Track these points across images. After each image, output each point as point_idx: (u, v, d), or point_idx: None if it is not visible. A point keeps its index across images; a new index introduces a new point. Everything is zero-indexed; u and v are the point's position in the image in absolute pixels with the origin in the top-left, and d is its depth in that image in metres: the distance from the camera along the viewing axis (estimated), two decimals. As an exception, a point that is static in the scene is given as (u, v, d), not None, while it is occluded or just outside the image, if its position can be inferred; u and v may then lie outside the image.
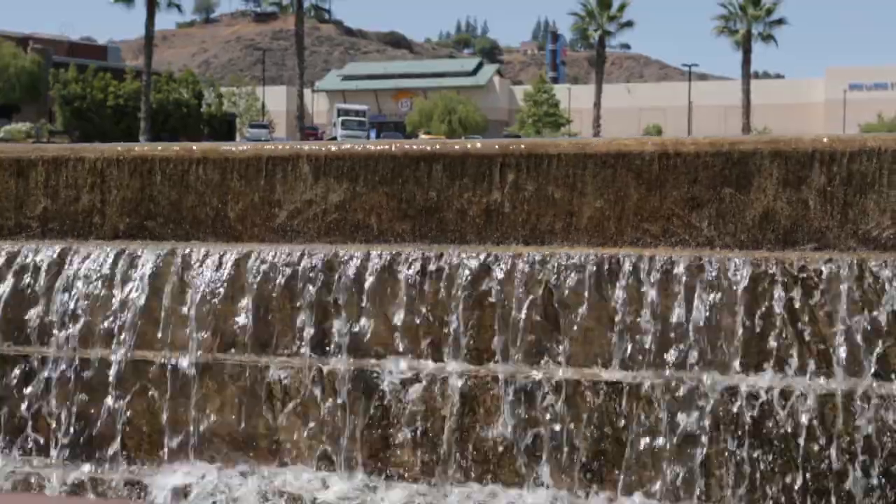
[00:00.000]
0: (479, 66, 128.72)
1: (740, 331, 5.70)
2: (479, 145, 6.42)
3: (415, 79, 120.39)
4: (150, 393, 6.45)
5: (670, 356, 5.75)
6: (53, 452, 6.53)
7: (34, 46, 77.57)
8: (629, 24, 79.68)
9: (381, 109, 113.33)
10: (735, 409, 5.63)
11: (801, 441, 5.53)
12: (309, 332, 6.25)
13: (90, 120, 65.77)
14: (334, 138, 71.47)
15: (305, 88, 79.12)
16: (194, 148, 6.77)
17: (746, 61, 74.72)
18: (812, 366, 5.61)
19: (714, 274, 5.78)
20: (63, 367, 6.53)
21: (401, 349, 6.14)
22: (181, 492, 6.16)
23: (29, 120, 65.79)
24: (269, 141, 46.06)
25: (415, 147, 6.48)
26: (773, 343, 5.65)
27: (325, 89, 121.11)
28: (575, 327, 5.91)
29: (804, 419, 5.54)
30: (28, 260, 6.72)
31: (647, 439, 5.74)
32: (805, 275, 5.67)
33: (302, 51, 72.55)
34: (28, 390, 6.58)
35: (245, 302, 6.36)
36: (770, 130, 74.13)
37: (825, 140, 5.90)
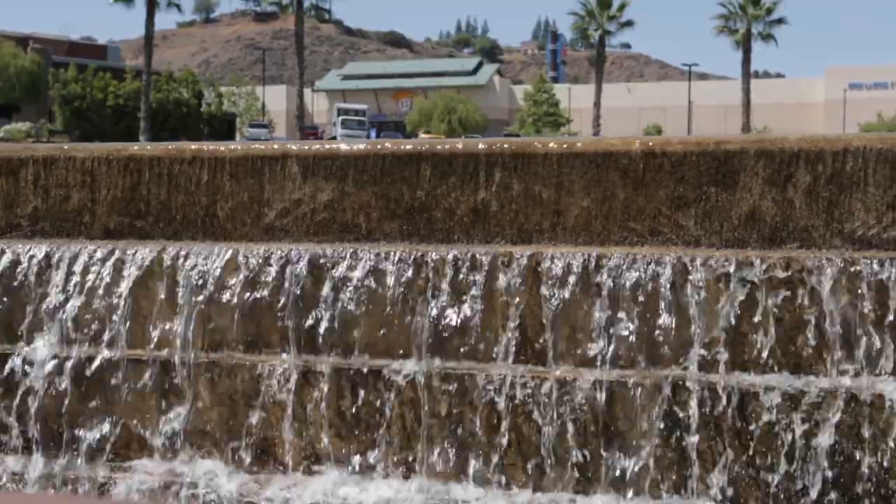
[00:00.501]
0: (479, 65, 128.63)
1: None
2: (466, 145, 6.44)
3: (415, 78, 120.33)
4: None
5: None
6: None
7: (34, 46, 77.52)
8: (629, 23, 79.69)
9: (381, 109, 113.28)
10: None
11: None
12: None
13: (90, 120, 65.74)
14: (334, 138, 71.48)
15: (305, 88, 79.14)
16: (184, 148, 6.79)
17: (746, 61, 74.69)
18: None
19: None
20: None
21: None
22: None
23: (29, 120, 65.74)
24: (270, 140, 46.12)
25: (403, 147, 6.51)
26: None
27: (324, 89, 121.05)
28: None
29: None
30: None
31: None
32: None
33: (302, 50, 72.55)
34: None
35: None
36: (770, 130, 74.10)
37: (811, 139, 5.93)
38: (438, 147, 6.44)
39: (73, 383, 6.51)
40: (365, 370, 6.14)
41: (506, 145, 6.37)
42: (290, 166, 6.55)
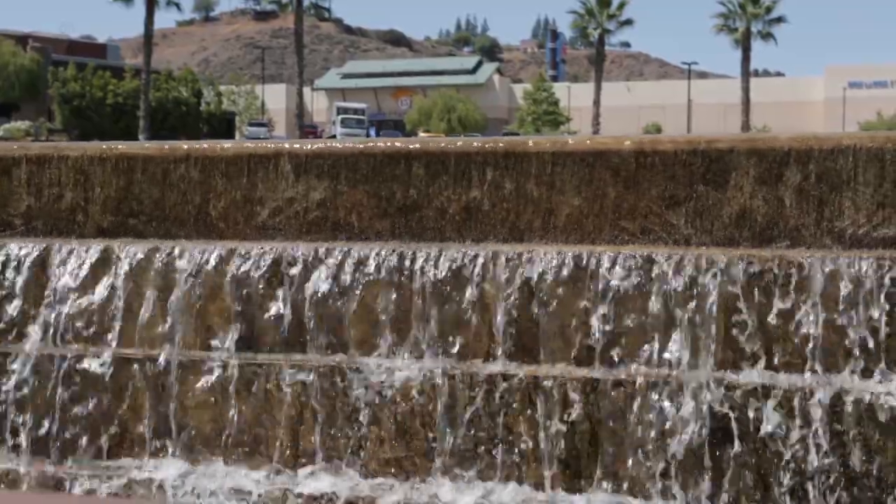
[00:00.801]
0: (479, 64, 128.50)
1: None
2: (458, 144, 6.45)
3: (414, 77, 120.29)
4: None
5: None
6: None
7: (33, 45, 77.48)
8: (629, 22, 79.61)
9: (381, 107, 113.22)
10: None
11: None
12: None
13: (89, 118, 65.71)
14: (333, 136, 71.44)
15: (305, 87, 79.10)
16: (177, 146, 6.81)
17: (746, 59, 74.65)
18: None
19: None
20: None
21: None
22: None
23: (28, 118, 65.71)
24: (269, 139, 46.07)
25: (395, 145, 6.52)
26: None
27: (324, 87, 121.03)
28: None
29: None
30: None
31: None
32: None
33: (301, 49, 72.52)
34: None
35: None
36: (770, 129, 74.07)
37: (801, 138, 5.94)
38: (430, 146, 6.46)
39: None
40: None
41: (498, 144, 6.38)
42: (282, 165, 6.56)
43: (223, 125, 74.86)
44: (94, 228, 6.86)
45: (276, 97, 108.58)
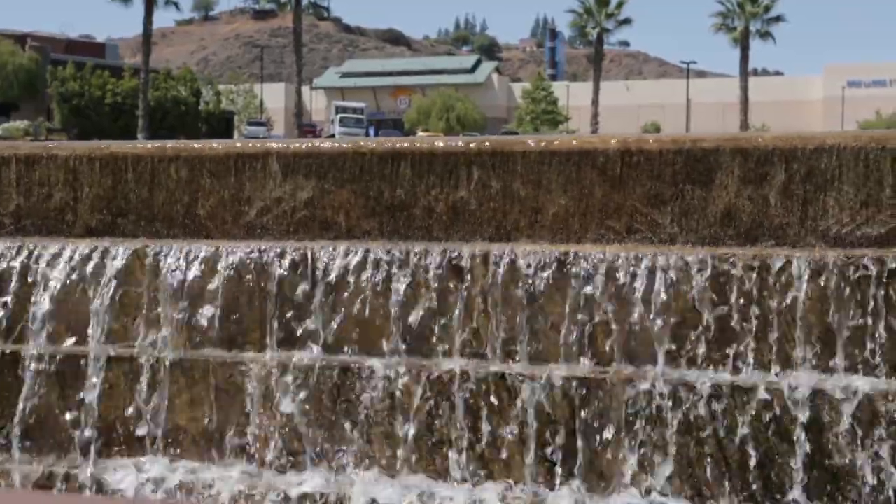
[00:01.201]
0: (478, 63, 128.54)
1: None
2: (445, 143, 6.48)
3: (413, 76, 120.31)
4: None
5: None
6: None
7: (32, 44, 77.49)
8: (627, 21, 79.68)
9: (380, 107, 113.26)
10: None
11: None
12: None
13: (88, 117, 65.77)
14: (332, 136, 71.46)
15: (304, 86, 79.15)
16: (165, 146, 6.83)
17: (744, 58, 74.73)
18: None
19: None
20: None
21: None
22: None
23: (27, 118, 65.72)
24: (268, 138, 46.05)
25: (382, 145, 6.54)
26: None
27: (323, 86, 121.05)
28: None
29: None
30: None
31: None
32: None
33: (300, 48, 72.50)
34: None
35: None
36: (768, 128, 74.12)
37: (785, 138, 5.96)
38: (418, 145, 6.48)
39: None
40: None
41: (485, 143, 6.40)
42: (270, 164, 6.58)
43: (222, 124, 74.91)
44: (83, 228, 6.88)
45: (274, 96, 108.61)
